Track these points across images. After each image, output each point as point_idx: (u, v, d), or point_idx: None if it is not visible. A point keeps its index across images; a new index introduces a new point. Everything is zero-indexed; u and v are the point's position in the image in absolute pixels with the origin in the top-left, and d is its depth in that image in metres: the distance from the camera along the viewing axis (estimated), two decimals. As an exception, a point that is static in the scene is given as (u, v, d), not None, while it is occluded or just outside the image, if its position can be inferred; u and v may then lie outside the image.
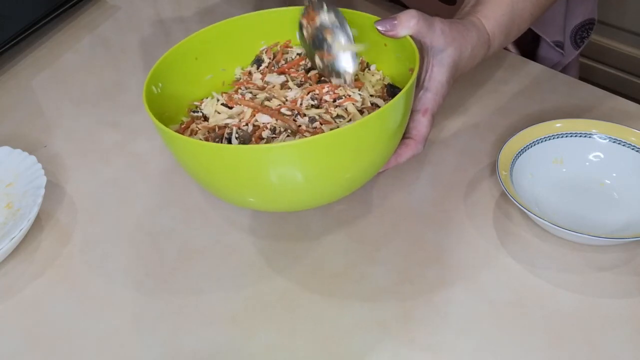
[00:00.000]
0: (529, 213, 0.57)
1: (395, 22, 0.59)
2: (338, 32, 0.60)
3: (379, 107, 0.60)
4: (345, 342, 0.54)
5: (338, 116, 0.59)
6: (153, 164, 0.74)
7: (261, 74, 0.66)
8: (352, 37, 0.61)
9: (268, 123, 0.58)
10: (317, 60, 0.62)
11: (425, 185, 0.67)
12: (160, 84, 0.60)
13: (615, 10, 1.42)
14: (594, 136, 0.64)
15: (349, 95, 0.61)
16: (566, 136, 0.65)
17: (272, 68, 0.67)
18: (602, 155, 0.64)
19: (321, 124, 0.58)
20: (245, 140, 0.58)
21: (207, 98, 0.65)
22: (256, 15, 0.67)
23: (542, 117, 0.68)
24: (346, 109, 0.60)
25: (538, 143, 0.64)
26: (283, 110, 0.59)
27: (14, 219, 0.65)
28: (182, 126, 0.63)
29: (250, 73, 0.68)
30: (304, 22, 0.62)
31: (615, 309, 0.54)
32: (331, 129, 0.57)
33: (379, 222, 0.64)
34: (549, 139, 0.64)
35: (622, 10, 1.42)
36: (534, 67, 0.82)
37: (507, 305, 0.55)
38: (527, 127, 0.64)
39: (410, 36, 0.60)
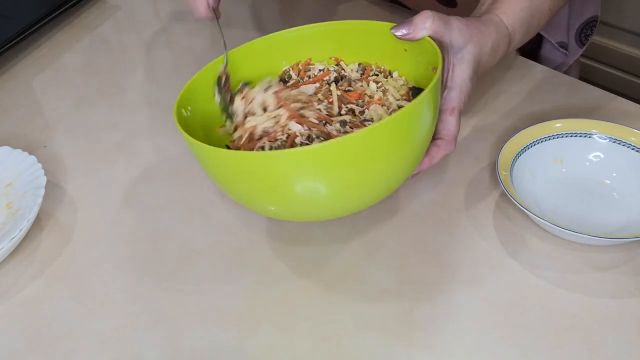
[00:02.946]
0: (529, 213, 0.57)
1: (412, 24, 0.59)
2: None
3: None
4: (345, 342, 0.54)
5: (365, 120, 0.59)
6: (153, 164, 0.74)
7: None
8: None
9: (299, 132, 0.58)
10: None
11: (425, 185, 0.67)
12: (189, 107, 0.61)
13: (615, 10, 1.42)
14: (594, 136, 0.64)
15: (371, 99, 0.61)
16: (566, 136, 0.65)
17: (299, 84, 0.68)
18: (602, 155, 0.64)
19: (351, 127, 0.58)
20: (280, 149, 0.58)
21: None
22: (277, 36, 0.68)
23: (542, 117, 0.68)
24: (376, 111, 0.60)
25: (538, 143, 0.64)
26: (312, 119, 0.60)
27: (14, 219, 0.65)
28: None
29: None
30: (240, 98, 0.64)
31: (615, 309, 0.54)
32: None
33: (379, 223, 0.64)
34: (549, 139, 0.64)
35: (622, 10, 1.42)
36: (534, 67, 0.82)
37: (507, 305, 0.55)
38: (527, 127, 0.64)
39: (429, 37, 0.60)
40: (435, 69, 0.58)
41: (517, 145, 0.63)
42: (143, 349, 0.55)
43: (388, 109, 0.61)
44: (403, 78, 0.66)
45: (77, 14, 1.03)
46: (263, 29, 0.68)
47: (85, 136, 0.79)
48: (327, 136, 0.58)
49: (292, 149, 0.50)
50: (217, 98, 0.63)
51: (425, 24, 0.59)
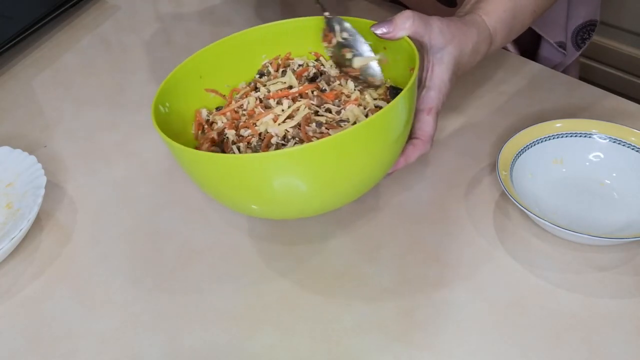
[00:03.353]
0: (529, 213, 0.57)
1: (392, 24, 0.60)
2: (354, 48, 0.63)
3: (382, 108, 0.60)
4: (345, 342, 0.54)
5: (342, 120, 0.59)
6: (153, 164, 0.74)
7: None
8: (367, 48, 0.63)
9: (275, 133, 0.59)
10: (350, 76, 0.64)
11: (425, 185, 0.67)
12: (167, 104, 0.61)
13: (615, 11, 1.42)
14: (594, 136, 0.64)
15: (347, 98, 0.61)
16: (566, 136, 0.65)
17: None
18: (602, 155, 0.64)
19: (327, 129, 0.58)
20: (256, 149, 0.58)
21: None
22: (255, 31, 0.68)
23: (542, 117, 0.68)
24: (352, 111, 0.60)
25: (538, 143, 0.64)
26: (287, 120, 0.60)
27: (14, 219, 0.65)
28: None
29: (255, 85, 0.68)
30: (325, 44, 0.64)
31: (615, 309, 0.54)
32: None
33: (379, 223, 0.64)
34: (549, 139, 0.64)
35: (622, 11, 1.42)
36: (534, 67, 0.82)
37: (507, 305, 0.55)
38: (527, 127, 0.64)
39: (409, 37, 0.60)
40: (412, 69, 0.58)
41: (517, 145, 0.63)
42: (143, 349, 0.55)
43: (365, 108, 0.61)
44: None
45: (77, 14, 1.03)
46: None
47: (85, 136, 0.79)
48: (304, 137, 0.58)
49: (269, 152, 0.51)
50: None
51: (405, 24, 0.59)
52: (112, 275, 0.62)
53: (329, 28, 0.64)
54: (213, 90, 0.67)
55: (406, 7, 0.93)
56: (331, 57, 0.65)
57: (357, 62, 0.63)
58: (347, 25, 0.63)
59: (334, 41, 0.64)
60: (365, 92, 0.63)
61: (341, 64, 0.64)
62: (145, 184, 0.72)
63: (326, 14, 0.64)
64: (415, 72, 0.55)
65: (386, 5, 0.95)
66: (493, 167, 0.68)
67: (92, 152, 0.77)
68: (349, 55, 0.63)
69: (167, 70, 0.89)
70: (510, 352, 0.52)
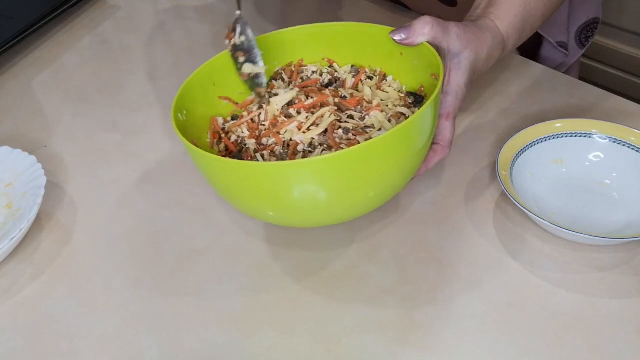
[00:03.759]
0: (529, 213, 0.57)
1: (410, 30, 0.60)
2: (249, 53, 0.65)
3: (404, 115, 0.61)
4: (345, 343, 0.54)
5: (366, 127, 0.59)
6: (153, 164, 0.74)
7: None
8: (258, 59, 0.64)
9: (301, 140, 0.59)
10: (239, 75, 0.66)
11: (426, 186, 0.67)
12: (184, 111, 0.61)
13: (615, 10, 1.42)
14: (594, 136, 0.64)
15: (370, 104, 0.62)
16: (566, 136, 0.65)
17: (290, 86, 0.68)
18: (602, 155, 0.64)
19: (354, 135, 0.58)
20: (282, 157, 0.59)
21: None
22: (267, 38, 0.68)
23: (542, 117, 0.68)
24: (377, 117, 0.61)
25: (538, 143, 0.64)
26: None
27: (14, 219, 0.65)
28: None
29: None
30: (226, 41, 0.65)
31: (615, 309, 0.54)
32: (365, 139, 0.57)
33: (379, 222, 0.63)
34: (549, 139, 0.64)
35: (622, 10, 1.42)
36: (534, 67, 0.82)
37: (507, 305, 0.55)
38: (527, 127, 0.64)
39: (428, 42, 0.60)
40: (435, 75, 0.59)
41: (517, 145, 0.63)
42: (143, 349, 0.55)
43: (387, 114, 0.61)
44: (397, 82, 0.66)
45: (77, 14, 1.03)
46: (264, 28, 0.68)
47: (85, 136, 0.79)
48: (331, 143, 0.58)
49: (297, 161, 0.51)
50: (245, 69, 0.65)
51: (424, 29, 0.59)
52: (112, 275, 0.62)
53: (233, 27, 0.65)
54: (226, 98, 0.67)
55: (406, 7, 0.93)
56: (230, 53, 0.66)
57: (246, 68, 0.64)
58: (248, 31, 0.64)
59: (232, 42, 0.65)
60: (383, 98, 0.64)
61: (235, 64, 0.65)
62: (145, 184, 0.72)
63: (237, 12, 0.65)
64: (440, 79, 0.56)
65: (387, 5, 0.95)
66: (493, 167, 0.68)
67: (92, 152, 0.77)
68: (241, 59, 0.64)
69: (167, 70, 0.89)
70: (510, 352, 0.52)
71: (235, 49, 0.64)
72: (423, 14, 0.62)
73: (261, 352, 0.54)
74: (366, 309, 0.56)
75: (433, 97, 0.53)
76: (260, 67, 0.64)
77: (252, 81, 0.64)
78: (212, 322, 0.56)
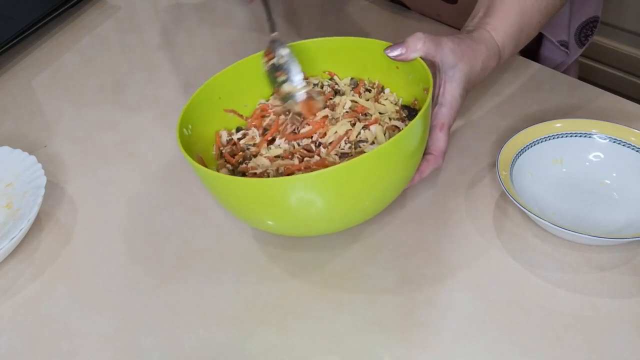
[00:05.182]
0: (528, 213, 0.57)
1: (404, 46, 0.62)
2: (288, 73, 0.67)
3: (398, 128, 0.63)
4: (345, 342, 0.54)
5: (360, 141, 0.61)
6: (153, 164, 0.74)
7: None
8: (299, 78, 0.66)
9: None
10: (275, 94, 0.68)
11: (426, 185, 0.67)
12: (190, 126, 0.63)
13: (615, 10, 1.42)
14: (594, 136, 0.64)
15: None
16: (566, 136, 0.65)
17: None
18: (602, 155, 0.64)
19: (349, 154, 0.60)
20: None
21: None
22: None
23: (542, 117, 0.68)
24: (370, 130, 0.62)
25: (538, 143, 0.64)
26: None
27: (14, 219, 0.65)
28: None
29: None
30: (264, 59, 0.67)
31: (615, 309, 0.54)
32: (358, 153, 0.60)
33: (379, 223, 0.64)
34: (549, 139, 0.64)
35: (622, 10, 1.42)
36: (533, 67, 0.82)
37: (507, 305, 0.55)
38: (527, 127, 0.64)
39: (421, 57, 0.61)
40: (427, 90, 0.60)
41: (517, 145, 0.63)
42: (143, 349, 0.55)
43: (383, 127, 0.63)
44: (394, 94, 0.68)
45: (77, 14, 1.03)
46: (265, 30, 0.68)
47: (85, 136, 0.79)
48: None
49: (291, 177, 0.53)
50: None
51: (417, 45, 0.61)
52: (112, 275, 0.62)
53: (272, 48, 0.67)
54: (232, 111, 0.68)
55: (406, 7, 0.93)
56: (266, 72, 0.67)
57: (286, 87, 0.66)
58: (287, 51, 0.66)
59: (272, 62, 0.67)
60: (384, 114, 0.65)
61: (271, 81, 0.67)
62: (145, 184, 0.72)
63: (274, 34, 0.67)
64: (430, 94, 0.57)
65: (387, 5, 0.95)
66: (493, 167, 0.68)
67: (92, 152, 0.77)
68: (280, 79, 0.66)
69: (167, 70, 0.89)
70: (510, 352, 0.52)
71: (275, 68, 0.66)
72: (423, 13, 0.62)
73: (261, 352, 0.54)
74: (366, 309, 0.56)
75: (422, 111, 0.55)
76: (299, 87, 0.66)
77: (288, 96, 0.66)
78: (212, 322, 0.56)
